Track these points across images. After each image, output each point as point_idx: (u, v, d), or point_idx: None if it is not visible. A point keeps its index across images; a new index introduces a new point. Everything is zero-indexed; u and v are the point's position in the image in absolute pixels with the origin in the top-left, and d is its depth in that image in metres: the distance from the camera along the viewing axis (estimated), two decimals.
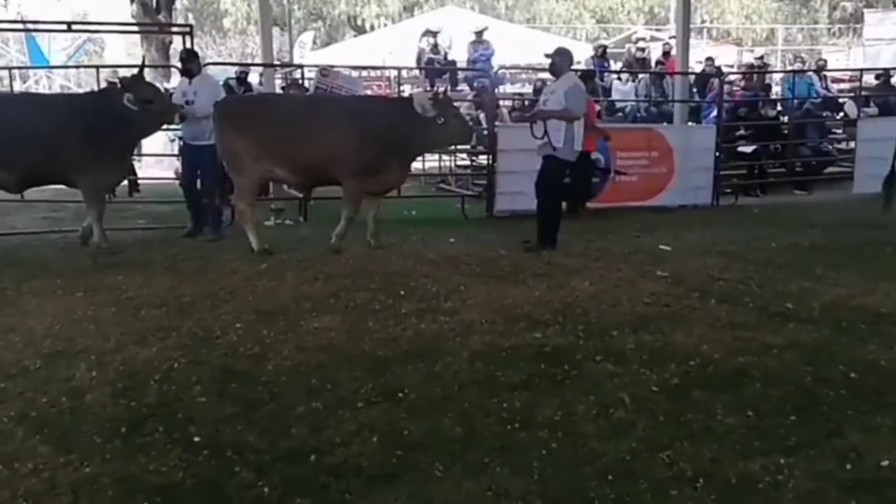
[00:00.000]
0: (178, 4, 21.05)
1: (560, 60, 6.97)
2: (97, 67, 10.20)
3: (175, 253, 6.69)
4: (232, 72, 11.90)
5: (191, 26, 9.33)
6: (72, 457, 3.17)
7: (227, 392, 3.79)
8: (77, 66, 17.24)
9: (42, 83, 19.46)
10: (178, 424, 3.45)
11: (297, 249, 6.82)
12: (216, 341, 4.48)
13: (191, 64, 7.50)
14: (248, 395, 3.75)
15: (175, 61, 14.05)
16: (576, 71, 7.94)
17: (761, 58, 16.52)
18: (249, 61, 21.38)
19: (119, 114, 6.55)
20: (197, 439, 3.32)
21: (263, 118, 6.71)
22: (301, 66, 13.19)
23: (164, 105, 6.87)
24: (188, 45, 8.22)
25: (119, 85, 6.93)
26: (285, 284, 5.64)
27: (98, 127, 6.53)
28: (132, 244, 7.20)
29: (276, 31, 20.87)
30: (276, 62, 12.58)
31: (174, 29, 15.27)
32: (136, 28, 15.13)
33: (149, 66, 15.04)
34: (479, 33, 13.91)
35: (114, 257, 6.59)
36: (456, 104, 7.57)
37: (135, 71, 7.02)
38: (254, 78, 12.09)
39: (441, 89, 7.44)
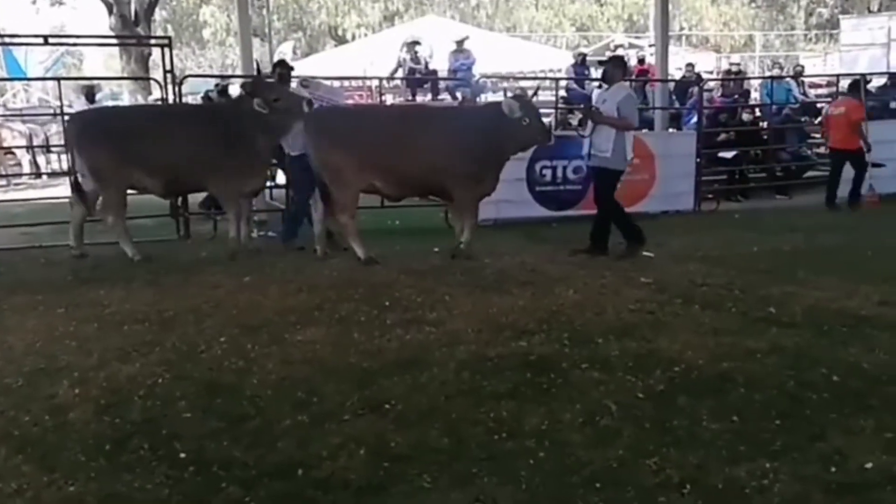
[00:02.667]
0: (156, 16, 20.96)
1: (612, 69, 7.07)
2: (75, 79, 10.14)
3: (157, 267, 6.64)
4: (212, 83, 11.85)
5: (170, 38, 9.28)
6: (55, 476, 3.14)
7: (212, 407, 3.77)
8: (54, 79, 17.07)
9: (20, 96, 19.30)
10: (163, 441, 3.43)
11: (280, 262, 6.79)
12: (200, 356, 4.46)
13: (284, 71, 7.51)
14: (233, 410, 3.73)
15: (153, 73, 14.03)
16: (629, 80, 8.01)
17: (738, 64, 16.70)
18: (229, 73, 21.31)
19: (250, 120, 6.70)
20: (182, 455, 3.30)
21: (363, 130, 6.70)
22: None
23: (290, 101, 6.84)
24: (167, 56, 8.18)
25: (245, 92, 7.03)
26: (269, 297, 5.62)
27: (230, 134, 6.76)
28: (114, 258, 7.13)
29: (255, 41, 20.82)
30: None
31: (153, 41, 15.23)
32: (114, 41, 15.02)
33: (130, 79, 15.11)
34: (460, 42, 13.96)
35: (95, 272, 6.54)
36: None
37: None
38: (234, 90, 12.03)
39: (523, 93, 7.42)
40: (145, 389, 3.97)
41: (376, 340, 4.66)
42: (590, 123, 6.86)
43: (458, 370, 4.16)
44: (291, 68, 7.72)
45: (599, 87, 10.55)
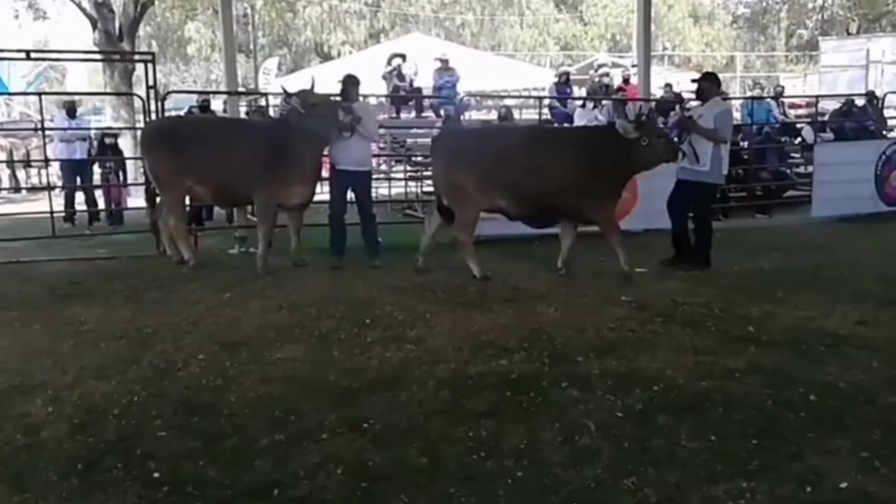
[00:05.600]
0: (140, 31, 20.90)
1: (708, 86, 7.15)
2: (56, 94, 10.07)
3: (136, 283, 6.58)
4: (194, 99, 11.83)
5: (153, 54, 9.27)
6: (26, 496, 3.09)
7: (188, 426, 3.73)
8: (36, 94, 16.99)
9: (1, 110, 19.21)
10: (137, 460, 3.38)
11: (261, 278, 6.75)
12: (177, 374, 4.42)
13: (351, 88, 7.46)
14: (210, 429, 3.69)
15: (137, 89, 13.96)
16: (723, 96, 8.08)
17: None
18: (213, 88, 21.32)
19: (295, 132, 6.86)
20: (157, 475, 3.26)
21: (487, 150, 6.72)
22: (266, 94, 13.19)
23: (331, 112, 6.91)
24: (150, 72, 8.15)
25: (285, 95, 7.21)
26: (249, 314, 5.59)
27: (275, 147, 6.89)
28: (92, 274, 7.06)
29: (240, 57, 20.86)
30: (240, 89, 12.55)
31: (136, 56, 15.20)
32: (97, 56, 14.96)
33: (113, 94, 15.01)
34: (445, 60, 14.03)
35: (73, 288, 6.48)
36: None
37: None
38: (217, 105, 12.03)
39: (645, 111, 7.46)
40: (120, 408, 3.93)
41: (356, 358, 4.63)
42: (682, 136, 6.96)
43: (437, 388, 4.14)
44: (359, 85, 7.68)
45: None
